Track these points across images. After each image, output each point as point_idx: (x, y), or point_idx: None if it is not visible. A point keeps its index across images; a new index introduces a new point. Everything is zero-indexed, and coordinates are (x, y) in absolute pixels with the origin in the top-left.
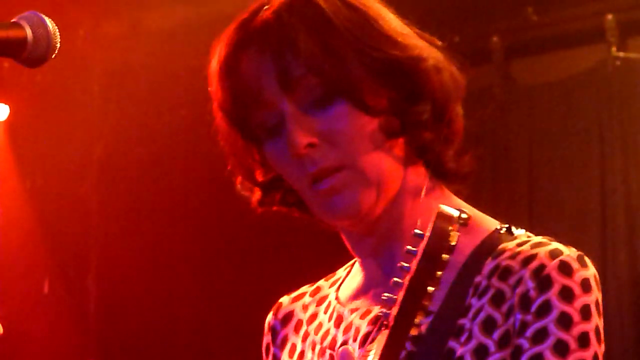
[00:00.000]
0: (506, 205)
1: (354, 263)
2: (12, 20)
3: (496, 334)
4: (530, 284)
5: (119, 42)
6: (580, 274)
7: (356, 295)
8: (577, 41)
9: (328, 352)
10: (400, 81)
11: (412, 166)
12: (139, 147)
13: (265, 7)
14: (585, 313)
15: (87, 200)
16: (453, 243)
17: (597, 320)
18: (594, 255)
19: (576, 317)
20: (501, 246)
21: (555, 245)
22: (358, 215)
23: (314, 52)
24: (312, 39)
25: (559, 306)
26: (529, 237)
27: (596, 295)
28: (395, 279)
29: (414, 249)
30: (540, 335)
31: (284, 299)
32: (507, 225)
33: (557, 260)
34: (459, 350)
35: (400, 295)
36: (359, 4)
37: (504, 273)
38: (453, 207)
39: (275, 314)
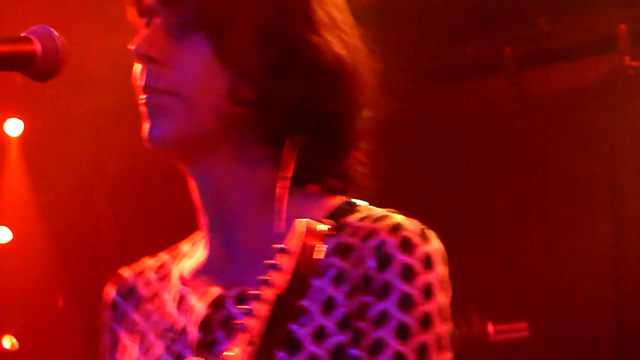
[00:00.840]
0: (518, 213)
1: (197, 236)
2: (21, 35)
3: (336, 315)
4: (370, 263)
5: (131, 56)
6: (422, 249)
7: (197, 274)
8: (590, 51)
9: (168, 336)
10: (283, 55)
11: (251, 150)
12: (151, 162)
13: None
14: (427, 292)
15: (100, 215)
16: (320, 257)
17: (440, 299)
18: (605, 264)
19: (418, 297)
20: (342, 221)
21: (397, 219)
22: (163, 144)
23: None
24: None
25: (400, 287)
26: (370, 210)
27: (439, 271)
28: (255, 291)
29: (276, 263)
30: (382, 319)
31: (125, 272)
32: (350, 199)
33: (397, 237)
34: (298, 333)
35: (262, 309)
36: None
37: (345, 251)
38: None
39: (116, 288)
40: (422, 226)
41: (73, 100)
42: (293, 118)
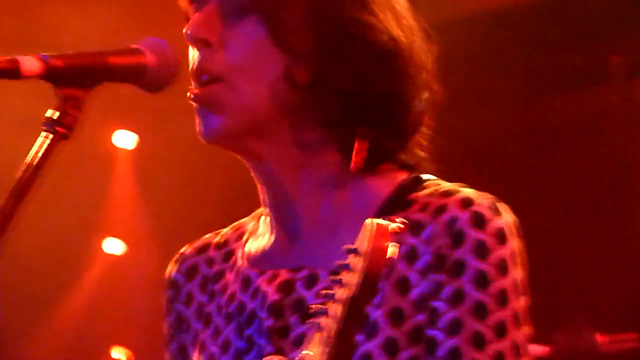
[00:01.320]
0: (628, 217)
1: (261, 214)
2: (132, 46)
3: (412, 296)
4: (443, 241)
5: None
6: (494, 223)
7: (263, 255)
8: None
9: (236, 319)
10: (338, 36)
11: (310, 133)
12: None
13: None
14: (502, 268)
15: (211, 225)
16: (389, 256)
17: (514, 274)
18: None
19: (492, 274)
20: (410, 197)
21: (466, 192)
22: (217, 138)
23: None
24: None
25: (474, 264)
26: (437, 184)
27: (512, 245)
28: (327, 291)
29: (347, 263)
30: (457, 297)
31: (187, 249)
32: (416, 174)
33: (468, 212)
34: (374, 314)
35: (336, 309)
36: None
37: (416, 227)
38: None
39: (178, 266)
40: (493, 199)
41: (184, 111)
42: (350, 100)
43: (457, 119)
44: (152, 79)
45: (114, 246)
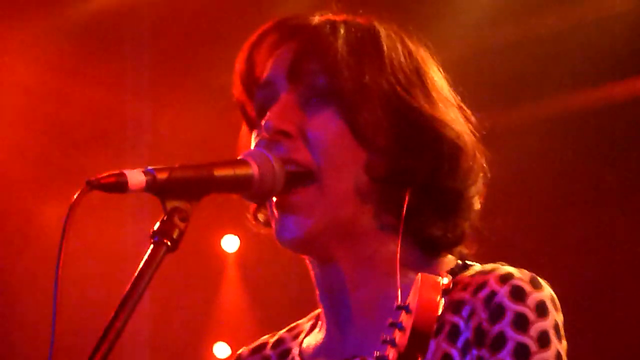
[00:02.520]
0: None
1: (317, 314)
2: (238, 157)
3: None
4: (483, 315)
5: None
6: (534, 296)
7: (317, 349)
8: None
9: None
10: (412, 131)
11: (384, 222)
12: None
13: (322, 14)
14: (543, 340)
15: None
16: (439, 313)
17: (557, 346)
18: None
19: (533, 346)
20: (455, 279)
21: (507, 269)
22: (299, 242)
23: (341, 62)
24: (347, 53)
25: (514, 337)
26: (482, 267)
27: (554, 317)
28: (378, 353)
29: (398, 322)
30: None
31: (243, 351)
32: (463, 261)
33: (507, 285)
34: None
35: None
36: (418, 55)
37: (457, 306)
38: (433, 272)
39: None
40: (532, 274)
41: None
42: (420, 191)
43: (562, 217)
44: (257, 190)
45: (223, 350)
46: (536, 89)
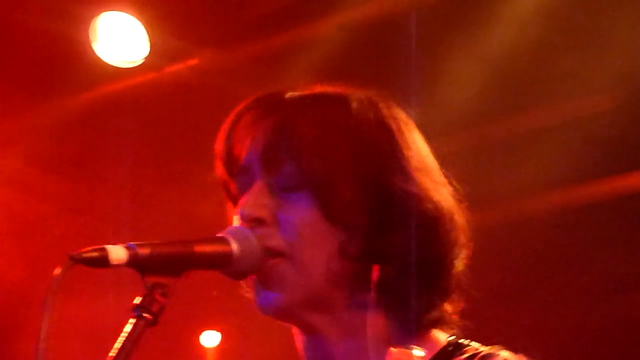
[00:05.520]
0: None
1: None
2: (217, 235)
3: None
4: None
5: None
6: None
7: None
8: None
9: None
10: (385, 209)
11: (363, 299)
12: None
13: (299, 89)
14: None
15: None
16: None
17: None
18: None
19: None
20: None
21: (503, 355)
22: (274, 314)
23: (308, 147)
24: (313, 137)
25: None
26: (476, 349)
27: None
28: None
29: None
30: None
31: None
32: (455, 339)
33: None
34: None
35: None
36: (394, 127)
37: None
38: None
39: None
40: None
41: None
42: (399, 266)
43: (535, 316)
44: (237, 268)
45: None
46: (513, 190)
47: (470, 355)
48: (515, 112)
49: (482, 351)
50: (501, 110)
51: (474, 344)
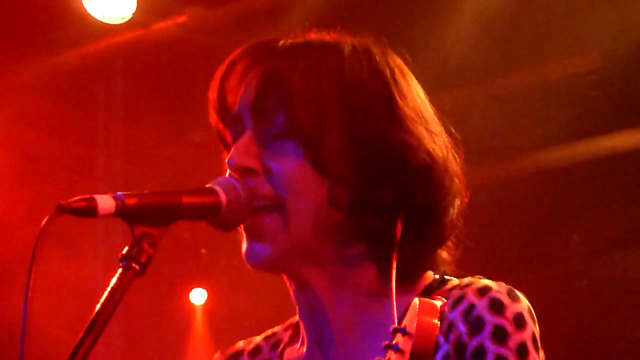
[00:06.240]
0: None
1: (294, 323)
2: (206, 186)
3: None
4: (462, 328)
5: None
6: (512, 309)
7: None
8: None
9: None
10: (375, 159)
11: (353, 249)
12: None
13: (292, 37)
14: (522, 352)
15: None
16: (436, 337)
17: (535, 357)
18: None
19: (512, 358)
20: (433, 295)
21: (484, 282)
22: (262, 265)
23: (298, 96)
24: (303, 86)
25: (494, 349)
26: (459, 280)
27: (532, 329)
28: None
29: (394, 344)
30: None
31: (218, 356)
32: (441, 276)
33: (486, 298)
34: None
35: None
36: (388, 75)
37: None
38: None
39: None
40: (509, 287)
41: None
42: (390, 216)
43: (527, 276)
44: (224, 218)
45: None
46: (502, 148)
47: (453, 286)
48: (504, 70)
49: (463, 281)
50: (490, 68)
51: (456, 279)
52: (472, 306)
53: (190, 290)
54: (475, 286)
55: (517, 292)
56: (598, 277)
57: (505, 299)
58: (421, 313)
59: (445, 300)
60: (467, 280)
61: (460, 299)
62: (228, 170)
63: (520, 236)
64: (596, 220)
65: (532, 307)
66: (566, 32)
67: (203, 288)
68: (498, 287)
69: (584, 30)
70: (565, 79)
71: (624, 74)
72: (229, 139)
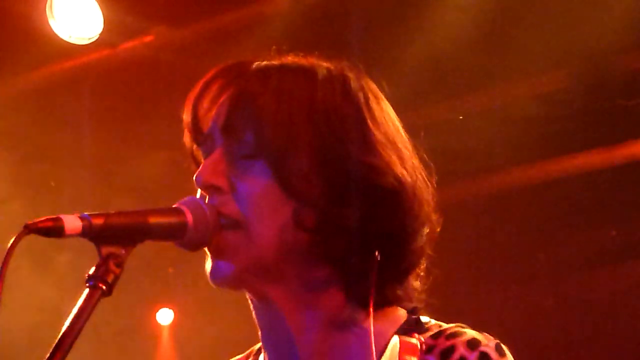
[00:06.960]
0: None
1: (255, 351)
2: (172, 206)
3: None
4: None
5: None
6: None
7: None
8: None
9: None
10: (343, 181)
11: (317, 272)
12: None
13: (267, 59)
14: None
15: None
16: None
17: None
18: None
19: None
20: (412, 334)
21: (472, 333)
22: (225, 282)
23: (268, 116)
24: (274, 106)
25: None
26: (439, 326)
27: None
28: None
29: None
30: None
31: None
32: (414, 315)
33: (476, 352)
34: None
35: None
36: (361, 99)
37: None
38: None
39: None
40: (497, 341)
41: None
42: (356, 240)
43: (495, 294)
44: (191, 238)
45: None
46: (466, 167)
47: (435, 333)
48: (469, 89)
49: (446, 329)
50: (455, 87)
51: (432, 320)
52: (462, 359)
53: (157, 311)
54: (464, 339)
55: (504, 347)
56: (565, 296)
57: (494, 355)
58: (403, 352)
59: (423, 340)
60: (452, 328)
61: (450, 350)
62: (199, 190)
63: (487, 254)
64: (563, 240)
65: (500, 325)
66: (533, 51)
67: (170, 308)
68: (487, 342)
69: (551, 49)
70: (529, 98)
71: (591, 92)
72: (201, 158)
